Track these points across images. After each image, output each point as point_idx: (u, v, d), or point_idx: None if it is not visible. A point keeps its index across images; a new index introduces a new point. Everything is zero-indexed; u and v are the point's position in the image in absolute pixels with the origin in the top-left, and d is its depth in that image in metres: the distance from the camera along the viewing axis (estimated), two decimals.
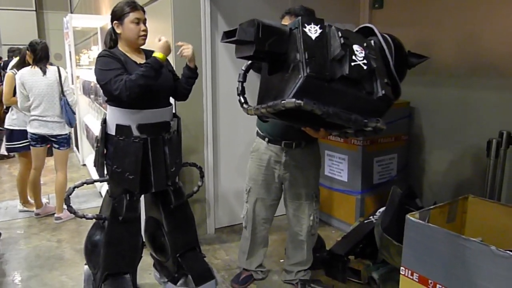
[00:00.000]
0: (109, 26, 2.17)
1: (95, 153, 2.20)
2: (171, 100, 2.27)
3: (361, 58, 1.57)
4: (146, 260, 2.53)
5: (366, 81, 1.59)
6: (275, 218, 2.61)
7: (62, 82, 3.61)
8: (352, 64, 1.54)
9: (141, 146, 2.07)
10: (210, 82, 3.13)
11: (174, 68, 2.32)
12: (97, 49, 5.63)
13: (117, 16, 2.07)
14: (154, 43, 2.11)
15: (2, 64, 6.09)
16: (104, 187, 3.92)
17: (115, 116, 2.07)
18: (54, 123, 3.59)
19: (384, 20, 3.57)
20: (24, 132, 3.76)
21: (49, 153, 3.97)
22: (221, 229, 3.44)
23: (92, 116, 5.41)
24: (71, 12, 9.33)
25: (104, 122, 2.13)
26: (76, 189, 2.16)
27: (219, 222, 3.45)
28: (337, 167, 3.35)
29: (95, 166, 2.21)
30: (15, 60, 4.38)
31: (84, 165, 5.74)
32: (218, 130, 3.31)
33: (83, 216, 2.20)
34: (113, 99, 2.05)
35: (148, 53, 2.19)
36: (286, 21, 2.11)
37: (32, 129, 3.58)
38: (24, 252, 3.14)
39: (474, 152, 2.96)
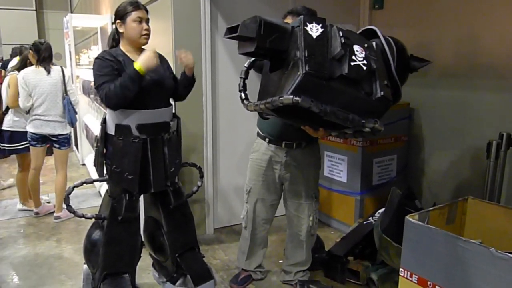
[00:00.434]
0: (112, 26, 2.17)
1: (94, 152, 2.20)
2: (171, 100, 2.27)
3: (361, 59, 1.58)
4: (145, 260, 2.53)
5: (365, 81, 1.60)
6: (275, 219, 2.62)
7: (66, 81, 3.61)
8: (352, 64, 1.55)
9: (141, 146, 2.06)
10: (209, 82, 3.13)
11: (174, 71, 2.32)
12: (97, 49, 5.62)
13: (120, 15, 2.08)
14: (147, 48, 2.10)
15: (2, 64, 6.08)
16: (103, 187, 3.92)
17: (115, 116, 2.07)
18: (56, 122, 3.59)
19: (384, 21, 3.57)
20: (25, 134, 3.76)
21: (49, 153, 3.97)
22: (220, 229, 3.44)
23: (92, 115, 5.41)
24: (71, 12, 9.34)
25: (103, 122, 2.13)
26: (75, 188, 2.16)
27: (218, 222, 3.45)
28: (337, 168, 3.34)
29: (94, 165, 2.20)
30: (15, 60, 4.37)
31: (84, 164, 5.74)
32: (218, 130, 3.31)
33: (82, 216, 2.20)
34: None
35: None
36: (289, 21, 2.11)
37: (33, 129, 3.57)
38: (23, 251, 3.14)
39: (474, 153, 2.96)
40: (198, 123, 3.15)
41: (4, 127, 3.85)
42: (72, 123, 3.70)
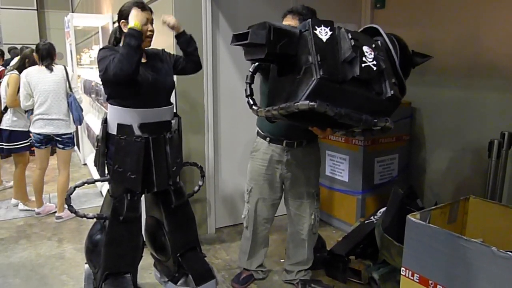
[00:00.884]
0: (114, 25, 2.17)
1: (95, 152, 2.21)
2: (172, 99, 2.27)
3: (371, 59, 1.59)
4: (147, 259, 2.53)
5: (375, 81, 1.61)
6: (276, 218, 2.61)
7: (70, 79, 3.61)
8: (363, 65, 1.56)
9: (143, 145, 2.07)
10: (211, 81, 3.13)
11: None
12: (98, 48, 5.63)
13: (124, 15, 2.08)
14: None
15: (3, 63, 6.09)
16: (105, 187, 3.92)
17: (116, 115, 2.07)
18: (60, 121, 3.57)
19: (385, 20, 3.56)
20: (24, 133, 3.77)
21: (51, 152, 3.97)
22: (222, 229, 3.44)
23: (93, 115, 5.41)
24: (72, 11, 9.34)
25: (105, 122, 2.13)
26: (77, 188, 2.16)
27: (219, 221, 3.45)
28: (338, 167, 3.34)
29: (95, 165, 2.21)
30: (15, 59, 4.38)
31: (85, 164, 5.74)
32: (219, 129, 3.31)
33: (84, 216, 2.20)
34: (113, 96, 2.07)
35: (150, 53, 2.19)
36: (288, 20, 2.11)
37: (37, 129, 3.56)
38: (25, 251, 3.14)
39: (476, 152, 2.96)
40: (199, 122, 3.16)
41: (2, 126, 3.86)
42: (80, 121, 3.68)
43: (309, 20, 1.58)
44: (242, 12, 3.19)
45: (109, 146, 2.12)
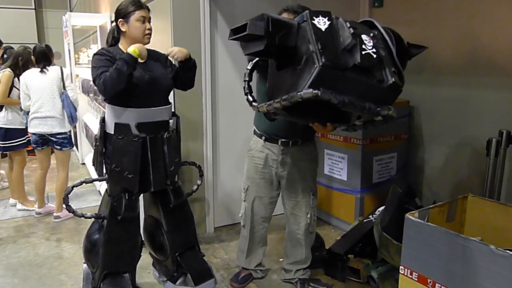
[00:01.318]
0: (112, 24, 2.17)
1: (94, 152, 2.20)
2: (170, 99, 2.27)
3: (371, 47, 1.59)
4: (145, 259, 2.53)
5: (376, 69, 1.60)
6: (275, 217, 2.61)
7: (64, 78, 3.61)
8: (363, 53, 1.55)
9: (140, 145, 2.06)
10: (209, 81, 3.13)
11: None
12: (96, 48, 5.61)
13: (122, 14, 2.07)
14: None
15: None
16: (103, 186, 3.92)
17: (114, 114, 2.07)
18: (53, 119, 3.54)
19: (384, 19, 3.54)
20: (20, 130, 3.76)
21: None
22: (221, 228, 3.44)
23: (91, 115, 5.40)
24: (70, 11, 9.31)
25: (103, 121, 2.13)
26: (75, 188, 2.16)
27: (218, 221, 3.44)
28: (337, 166, 3.34)
29: (94, 165, 2.20)
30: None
31: (83, 164, 5.74)
32: (218, 128, 3.31)
33: (82, 215, 2.19)
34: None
35: (149, 52, 2.19)
36: None
37: (32, 128, 3.57)
38: (23, 251, 3.14)
39: (474, 151, 2.96)
40: (197, 122, 3.15)
41: None
42: (72, 118, 3.65)
43: (307, 11, 1.58)
44: (240, 11, 3.19)
45: (107, 146, 2.12)
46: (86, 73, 5.12)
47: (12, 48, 4.70)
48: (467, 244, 1.55)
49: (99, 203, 2.37)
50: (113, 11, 2.18)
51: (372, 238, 2.45)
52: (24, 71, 3.69)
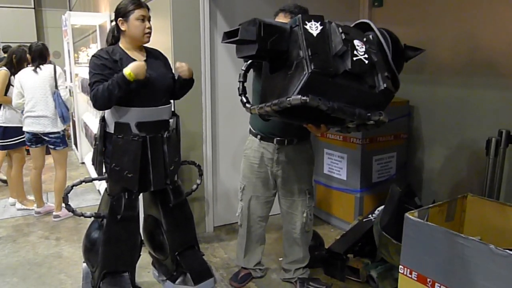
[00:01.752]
0: (112, 23, 2.17)
1: (93, 151, 2.20)
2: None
3: (362, 53, 1.59)
4: (145, 258, 2.53)
5: (368, 75, 1.61)
6: (274, 216, 2.61)
7: (57, 77, 3.60)
8: (354, 59, 1.55)
9: (140, 144, 2.06)
10: (209, 81, 3.13)
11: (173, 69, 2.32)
12: (95, 47, 5.61)
13: (121, 13, 2.07)
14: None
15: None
16: (102, 185, 3.91)
17: (114, 114, 2.07)
18: (46, 118, 3.53)
19: (383, 18, 3.56)
20: (18, 129, 3.76)
21: (47, 151, 3.96)
22: (220, 227, 3.44)
23: (91, 114, 5.39)
24: (70, 10, 9.30)
25: (102, 120, 2.13)
26: (74, 187, 2.16)
27: (218, 220, 3.44)
28: (336, 165, 3.34)
29: (93, 164, 2.20)
30: None
31: (83, 163, 5.73)
32: (217, 128, 3.31)
33: (82, 215, 2.19)
34: None
35: (150, 51, 2.19)
36: (281, 19, 2.12)
37: (26, 127, 3.57)
38: (22, 250, 3.14)
39: (473, 150, 2.96)
40: (197, 121, 3.15)
41: None
42: (64, 118, 3.62)
43: (299, 15, 1.58)
44: (240, 11, 3.19)
45: (106, 145, 2.12)
46: (86, 72, 5.11)
47: (10, 47, 4.70)
48: (467, 243, 1.55)
49: (98, 202, 2.37)
50: (113, 10, 2.18)
51: (372, 238, 2.45)
52: (19, 69, 3.70)
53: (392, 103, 1.75)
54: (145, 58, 2.13)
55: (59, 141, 3.63)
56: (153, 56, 2.19)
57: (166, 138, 2.15)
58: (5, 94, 3.79)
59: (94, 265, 2.22)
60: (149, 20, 2.11)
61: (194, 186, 2.56)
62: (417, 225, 1.73)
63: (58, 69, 3.66)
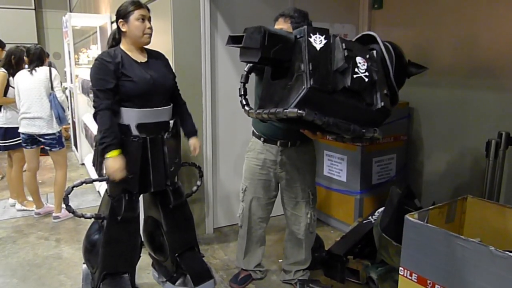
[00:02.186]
0: (113, 25, 2.18)
1: (94, 152, 2.20)
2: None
3: (363, 71, 1.60)
4: (145, 259, 2.53)
5: (366, 93, 1.63)
6: (274, 218, 2.62)
7: (52, 78, 3.60)
8: (354, 76, 1.57)
9: (140, 145, 2.06)
10: (209, 82, 3.13)
11: (174, 70, 2.32)
12: (96, 48, 5.62)
13: (122, 14, 2.09)
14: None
15: None
16: (103, 187, 3.91)
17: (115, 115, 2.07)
18: (41, 120, 3.53)
19: (383, 21, 3.57)
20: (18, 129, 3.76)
21: (45, 152, 3.96)
22: (220, 228, 3.44)
23: (91, 115, 5.39)
24: (70, 11, 9.32)
25: None
26: (75, 188, 2.16)
27: (218, 221, 3.44)
28: (336, 167, 3.35)
29: (93, 165, 2.20)
30: None
31: (83, 164, 5.73)
32: (217, 129, 3.31)
33: (82, 216, 2.20)
34: None
35: (150, 52, 2.19)
36: (280, 24, 2.12)
37: (21, 128, 3.58)
38: (22, 251, 3.14)
39: (473, 152, 2.96)
40: (197, 123, 3.11)
41: None
42: (60, 119, 3.62)
43: (305, 27, 1.59)
44: (241, 12, 3.19)
45: None
46: (86, 74, 5.12)
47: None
48: (467, 245, 1.55)
49: (98, 203, 2.37)
50: (113, 11, 2.18)
51: (372, 239, 2.45)
52: (17, 70, 3.70)
53: None
54: (146, 59, 2.13)
55: (55, 142, 3.62)
56: (154, 57, 2.19)
57: (166, 139, 2.16)
58: (5, 95, 3.79)
59: (94, 266, 2.22)
60: (149, 21, 2.12)
61: (194, 188, 2.56)
62: (417, 227, 1.73)
63: (54, 71, 3.67)
